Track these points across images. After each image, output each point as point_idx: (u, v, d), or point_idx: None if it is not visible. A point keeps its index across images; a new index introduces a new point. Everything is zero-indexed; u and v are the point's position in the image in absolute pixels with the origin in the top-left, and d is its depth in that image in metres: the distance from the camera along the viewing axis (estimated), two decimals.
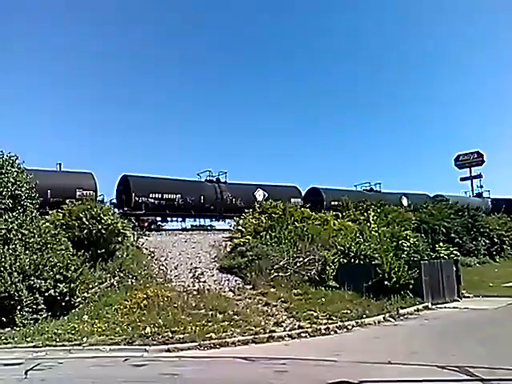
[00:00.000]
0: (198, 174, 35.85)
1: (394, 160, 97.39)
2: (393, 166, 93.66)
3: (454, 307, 19.40)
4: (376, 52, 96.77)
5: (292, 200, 34.21)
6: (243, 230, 26.35)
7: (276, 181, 40.49)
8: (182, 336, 13.03)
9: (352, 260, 21.09)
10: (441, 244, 27.93)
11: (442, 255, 25.13)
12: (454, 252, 26.82)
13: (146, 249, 23.44)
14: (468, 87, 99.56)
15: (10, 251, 15.48)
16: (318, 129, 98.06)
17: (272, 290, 19.37)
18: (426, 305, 18.88)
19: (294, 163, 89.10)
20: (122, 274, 19.33)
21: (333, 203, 36.46)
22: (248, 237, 24.70)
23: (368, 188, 43.94)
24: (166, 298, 16.65)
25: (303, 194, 38.27)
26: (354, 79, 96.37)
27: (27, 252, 15.86)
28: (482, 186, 57.45)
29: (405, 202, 41.72)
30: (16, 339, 12.96)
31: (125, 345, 12.56)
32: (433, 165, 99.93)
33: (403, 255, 21.58)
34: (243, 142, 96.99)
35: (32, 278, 14.85)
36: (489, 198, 53.34)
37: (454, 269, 21.83)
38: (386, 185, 46.16)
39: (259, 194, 34.59)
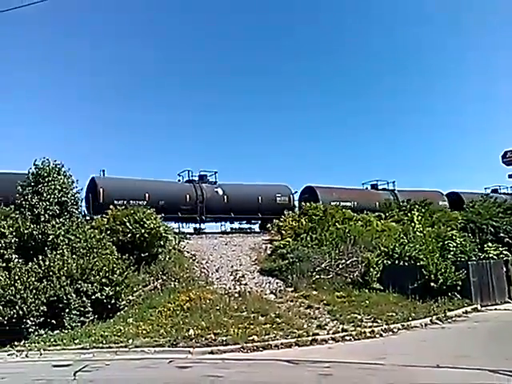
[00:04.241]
0: (363, 184, 38.87)
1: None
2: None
3: (505, 309, 18.65)
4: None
5: (440, 203, 37.12)
6: (283, 232, 26.25)
7: None
8: (224, 338, 13.07)
9: (396, 261, 20.60)
10: (489, 244, 26.84)
11: (490, 255, 24.20)
12: (504, 252, 25.73)
13: (188, 252, 23.73)
14: None
15: (58, 256, 16.05)
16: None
17: (314, 292, 19.17)
18: (474, 307, 18.22)
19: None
20: (164, 277, 19.67)
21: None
22: (288, 239, 24.58)
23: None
24: (208, 301, 16.80)
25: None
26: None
27: (74, 256, 16.40)
28: None
29: None
30: (65, 341, 13.42)
31: (169, 347, 12.75)
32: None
33: (449, 256, 20.93)
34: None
35: (79, 282, 15.35)
36: None
37: (504, 269, 21.06)
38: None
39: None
